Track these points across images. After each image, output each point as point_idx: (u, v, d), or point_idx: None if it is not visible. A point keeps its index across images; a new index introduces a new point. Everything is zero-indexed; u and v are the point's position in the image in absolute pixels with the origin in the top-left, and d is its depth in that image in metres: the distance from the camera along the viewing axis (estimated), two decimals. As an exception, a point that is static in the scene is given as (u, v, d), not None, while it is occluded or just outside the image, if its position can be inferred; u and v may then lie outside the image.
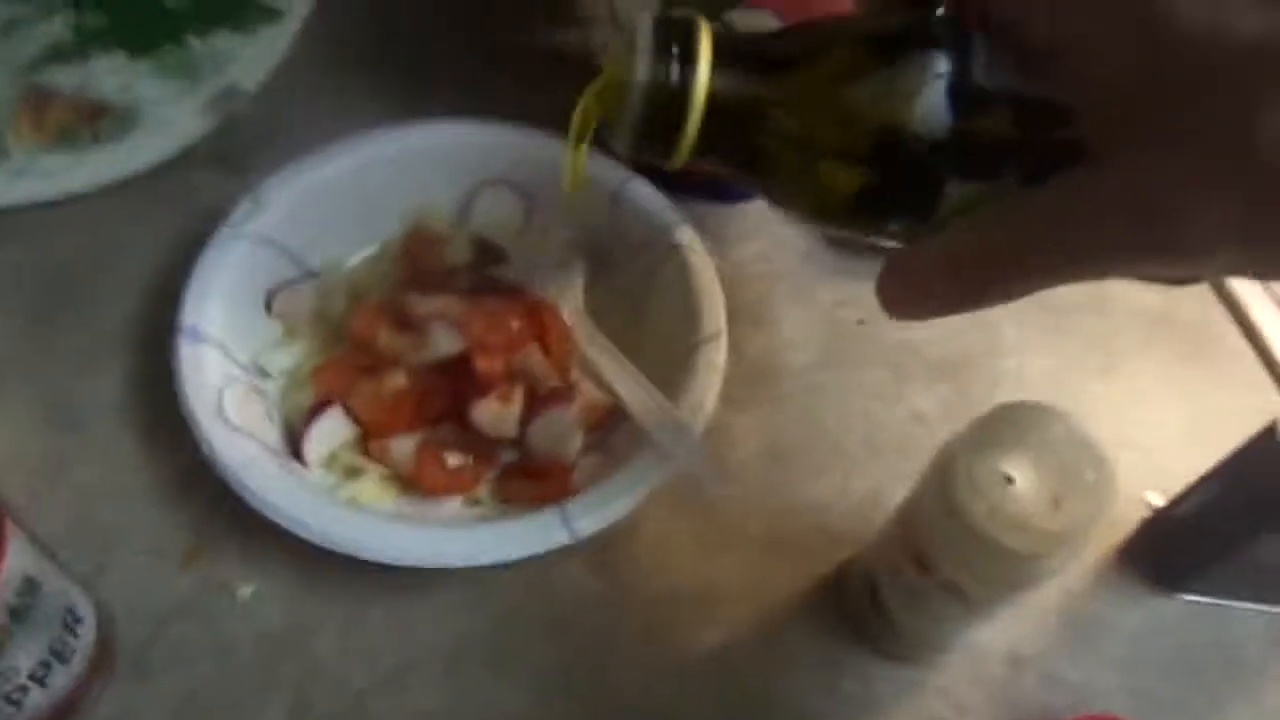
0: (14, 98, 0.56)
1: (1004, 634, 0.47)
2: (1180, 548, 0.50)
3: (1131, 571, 0.51)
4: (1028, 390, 0.56)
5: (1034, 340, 0.59)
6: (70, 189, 0.54)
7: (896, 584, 0.42)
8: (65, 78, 0.57)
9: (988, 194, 0.26)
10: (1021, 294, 0.26)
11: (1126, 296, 0.62)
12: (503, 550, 0.42)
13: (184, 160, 0.57)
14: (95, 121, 0.55)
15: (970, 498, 0.37)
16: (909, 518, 0.40)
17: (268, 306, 0.50)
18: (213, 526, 0.46)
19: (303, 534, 0.41)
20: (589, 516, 0.43)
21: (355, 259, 0.53)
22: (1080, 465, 0.37)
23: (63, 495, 0.46)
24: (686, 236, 0.52)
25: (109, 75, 0.58)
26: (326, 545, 0.41)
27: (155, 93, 0.57)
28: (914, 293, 0.26)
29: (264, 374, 0.49)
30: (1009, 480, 0.36)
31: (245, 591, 0.44)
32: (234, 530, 0.46)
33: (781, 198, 0.31)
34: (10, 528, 0.34)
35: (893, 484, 0.51)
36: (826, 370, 0.55)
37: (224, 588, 0.44)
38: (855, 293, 0.58)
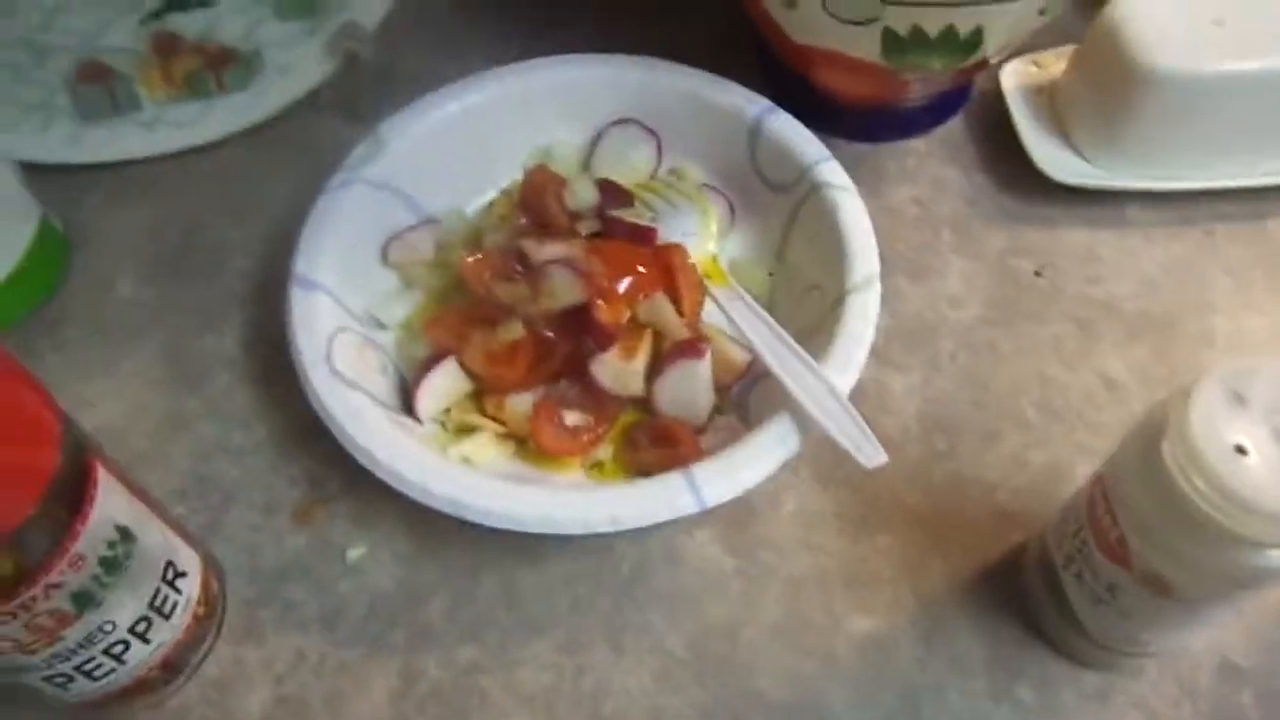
0: (143, 48, 0.56)
1: (1216, 640, 0.40)
2: None
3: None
4: (1243, 353, 0.47)
5: (1252, 294, 0.50)
6: (199, 139, 0.54)
7: (1082, 574, 0.36)
8: (190, 23, 0.57)
9: None
10: None
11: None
12: (621, 517, 0.37)
13: (308, 107, 0.55)
14: (221, 69, 0.54)
15: (1187, 471, 0.30)
16: (1102, 496, 0.34)
17: (383, 255, 0.48)
18: (326, 484, 0.44)
19: (404, 490, 0.38)
20: (719, 483, 0.38)
21: (476, 205, 0.50)
22: (1336, 435, 0.29)
23: (183, 450, 0.45)
24: (833, 173, 0.46)
25: (232, 18, 0.57)
26: (427, 502, 0.38)
27: (278, 35, 0.56)
28: None
29: (379, 325, 0.46)
30: (1240, 451, 0.29)
31: (355, 553, 0.42)
32: (347, 489, 0.44)
33: None
34: (103, 477, 0.32)
35: (1075, 457, 0.44)
36: (997, 327, 0.48)
37: (335, 548, 0.42)
38: (1031, 239, 0.51)
